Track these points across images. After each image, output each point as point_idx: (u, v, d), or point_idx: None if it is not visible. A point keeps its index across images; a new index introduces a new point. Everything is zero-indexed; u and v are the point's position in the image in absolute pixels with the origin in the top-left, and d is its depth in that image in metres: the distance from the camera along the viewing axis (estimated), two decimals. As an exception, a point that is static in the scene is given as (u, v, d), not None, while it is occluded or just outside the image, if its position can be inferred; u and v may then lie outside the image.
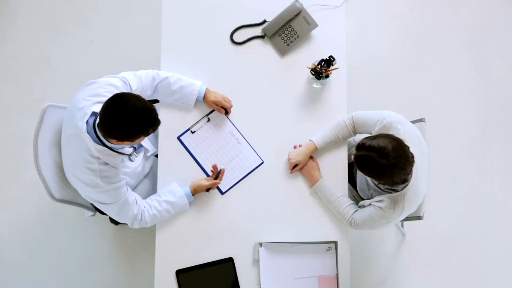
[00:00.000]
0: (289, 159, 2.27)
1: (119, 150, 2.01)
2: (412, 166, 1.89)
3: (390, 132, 1.97)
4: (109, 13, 3.24)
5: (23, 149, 3.04)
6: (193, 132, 2.32)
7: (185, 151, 2.30)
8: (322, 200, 2.27)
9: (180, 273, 2.21)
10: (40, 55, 3.19)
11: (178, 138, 2.31)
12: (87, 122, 1.93)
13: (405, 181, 1.93)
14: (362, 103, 3.14)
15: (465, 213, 3.09)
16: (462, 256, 3.04)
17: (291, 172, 2.29)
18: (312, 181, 2.27)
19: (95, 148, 1.92)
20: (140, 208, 2.13)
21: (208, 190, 2.24)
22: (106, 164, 1.97)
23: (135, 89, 2.13)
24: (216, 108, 2.29)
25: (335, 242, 2.26)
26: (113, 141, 1.89)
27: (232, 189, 2.29)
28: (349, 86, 2.42)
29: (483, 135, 3.18)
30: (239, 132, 2.33)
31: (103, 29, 3.22)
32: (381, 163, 1.79)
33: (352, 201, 2.23)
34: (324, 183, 2.25)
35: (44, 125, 2.09)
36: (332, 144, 2.29)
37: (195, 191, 2.22)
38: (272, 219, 2.27)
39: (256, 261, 2.23)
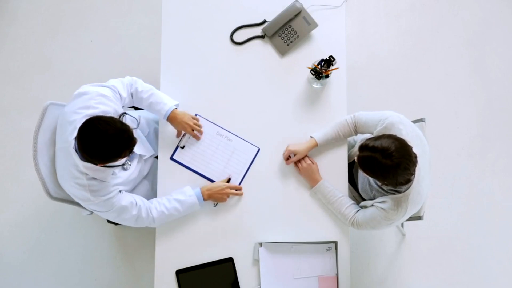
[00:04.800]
0: (287, 148, 2.26)
1: (109, 164, 1.95)
2: (415, 166, 1.88)
3: (392, 133, 1.96)
4: (109, 13, 3.24)
5: (23, 149, 3.04)
6: (182, 147, 2.29)
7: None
8: (323, 201, 2.26)
9: (180, 273, 2.20)
10: (40, 55, 3.18)
11: (172, 158, 2.28)
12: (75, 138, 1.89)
13: (408, 181, 1.93)
14: (362, 103, 3.15)
15: (465, 213, 3.09)
16: (462, 256, 3.04)
17: (286, 163, 2.27)
18: (312, 182, 2.27)
19: (83, 165, 1.90)
20: (144, 206, 2.10)
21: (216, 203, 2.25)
22: (95, 179, 1.95)
23: (125, 96, 2.12)
24: (192, 134, 2.25)
25: (335, 242, 2.26)
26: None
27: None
28: (349, 86, 2.42)
29: (483, 135, 3.18)
30: (225, 130, 2.31)
31: (103, 29, 3.22)
32: (385, 163, 1.79)
33: (353, 201, 2.23)
34: (324, 184, 2.24)
35: (44, 124, 2.08)
36: (332, 142, 2.28)
37: (209, 196, 2.20)
38: (272, 219, 2.26)
39: (256, 261, 2.23)
